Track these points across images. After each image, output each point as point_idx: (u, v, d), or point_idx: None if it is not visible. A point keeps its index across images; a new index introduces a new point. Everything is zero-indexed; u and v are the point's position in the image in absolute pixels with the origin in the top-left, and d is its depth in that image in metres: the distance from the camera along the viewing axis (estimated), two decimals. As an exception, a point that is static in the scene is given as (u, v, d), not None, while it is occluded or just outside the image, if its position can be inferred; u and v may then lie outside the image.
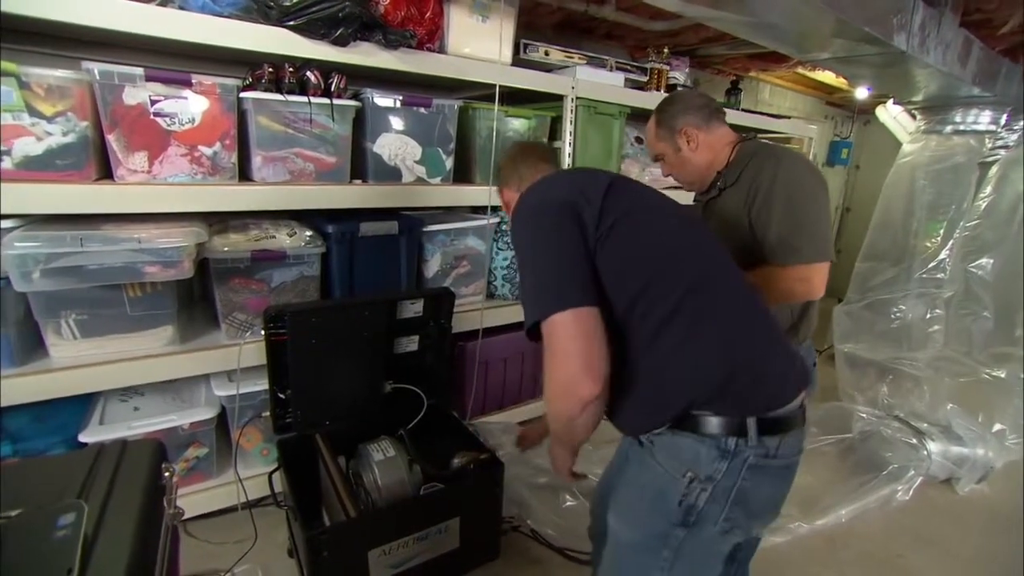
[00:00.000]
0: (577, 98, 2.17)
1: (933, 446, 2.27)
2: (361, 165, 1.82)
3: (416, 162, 1.88)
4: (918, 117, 3.37)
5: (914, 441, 2.26)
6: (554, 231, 0.90)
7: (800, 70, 3.68)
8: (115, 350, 1.50)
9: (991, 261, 3.17)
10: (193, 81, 1.40)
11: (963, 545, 1.96)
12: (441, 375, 1.96)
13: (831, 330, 3.25)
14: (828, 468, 2.30)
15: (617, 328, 0.89)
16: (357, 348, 1.74)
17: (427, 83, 1.99)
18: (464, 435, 1.82)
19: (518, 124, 2.11)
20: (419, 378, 1.93)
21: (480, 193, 2.02)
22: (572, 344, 0.82)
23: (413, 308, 1.81)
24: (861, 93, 3.82)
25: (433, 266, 2.06)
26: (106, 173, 1.43)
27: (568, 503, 1.86)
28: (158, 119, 1.39)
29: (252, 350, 1.66)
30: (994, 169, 3.26)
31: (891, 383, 2.80)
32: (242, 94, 1.51)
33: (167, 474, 0.74)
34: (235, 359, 1.64)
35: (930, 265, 3.23)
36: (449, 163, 1.95)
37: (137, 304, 1.48)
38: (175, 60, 1.63)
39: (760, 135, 3.18)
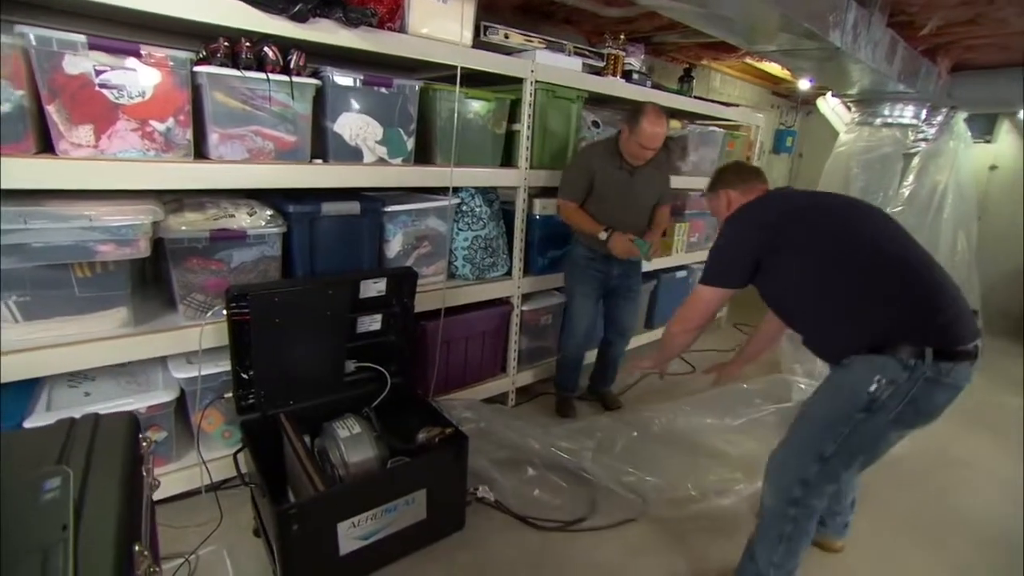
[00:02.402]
0: (536, 81, 2.21)
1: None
2: (322, 145, 1.80)
3: (377, 142, 1.88)
4: (853, 109, 3.60)
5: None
6: (747, 241, 1.44)
7: (748, 60, 3.85)
8: (63, 333, 1.45)
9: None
10: (142, 52, 1.35)
11: (881, 490, 2.17)
12: (404, 354, 1.98)
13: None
14: (770, 434, 2.46)
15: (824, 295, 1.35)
16: (320, 327, 1.74)
17: (388, 63, 1.98)
18: (428, 411, 1.86)
19: (478, 106, 2.13)
20: (383, 357, 1.95)
21: (441, 174, 2.04)
22: (704, 307, 1.55)
23: (376, 287, 1.83)
24: (804, 85, 4.03)
25: (395, 246, 2.07)
26: (47, 147, 1.36)
27: (529, 473, 1.94)
28: (104, 91, 1.33)
29: (212, 331, 1.64)
30: (916, 160, 3.54)
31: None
32: (196, 68, 1.47)
33: (145, 444, 0.75)
34: (193, 341, 1.61)
35: (861, 247, 3.47)
36: (410, 144, 1.96)
37: (87, 285, 1.43)
38: (124, 29, 1.55)
39: (711, 122, 3.33)
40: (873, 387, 1.23)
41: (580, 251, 2.39)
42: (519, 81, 2.20)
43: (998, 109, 4.11)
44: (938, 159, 3.51)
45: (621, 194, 2.28)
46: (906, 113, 3.34)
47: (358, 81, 1.76)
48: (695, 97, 3.06)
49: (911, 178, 3.61)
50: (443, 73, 2.14)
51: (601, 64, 2.53)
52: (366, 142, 1.86)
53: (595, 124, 2.62)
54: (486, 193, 2.34)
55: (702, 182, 3.29)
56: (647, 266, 3.03)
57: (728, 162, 1.83)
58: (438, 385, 2.31)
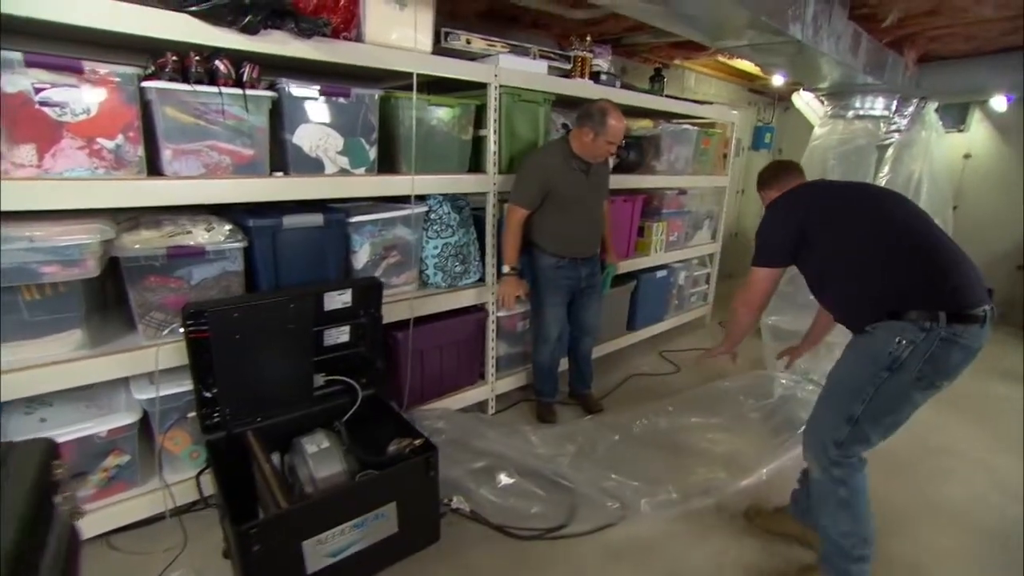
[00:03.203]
0: (500, 86, 2.20)
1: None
2: (282, 157, 1.78)
3: (338, 153, 1.86)
4: (826, 103, 3.62)
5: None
6: (782, 225, 1.63)
7: (721, 59, 3.87)
8: (15, 359, 1.41)
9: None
10: (85, 68, 1.33)
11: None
12: (374, 365, 1.95)
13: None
14: (752, 431, 2.46)
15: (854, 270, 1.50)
16: (284, 342, 1.71)
17: (351, 73, 1.96)
18: (400, 423, 1.83)
19: (442, 113, 2.11)
20: (353, 369, 1.93)
21: (404, 182, 2.01)
22: (760, 286, 1.68)
23: (341, 299, 1.81)
24: (777, 80, 4.05)
25: (362, 257, 2.05)
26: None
27: (506, 481, 1.91)
28: (45, 109, 1.31)
29: (173, 350, 1.60)
30: (890, 151, 3.56)
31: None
32: (144, 83, 1.45)
33: (59, 471, 0.72)
34: (154, 361, 1.58)
35: (840, 240, 3.48)
36: (373, 153, 1.94)
37: (36, 308, 1.40)
38: (67, 46, 1.52)
39: (684, 120, 3.33)
40: (893, 348, 1.36)
41: (546, 260, 2.34)
42: (484, 86, 2.19)
43: (967, 97, 4.14)
44: (911, 149, 3.53)
45: (580, 197, 2.29)
46: (877, 105, 3.36)
47: (315, 92, 1.74)
48: (666, 96, 3.06)
49: (886, 169, 3.63)
50: (407, 81, 2.13)
51: (568, 66, 2.53)
52: (327, 153, 1.84)
53: (565, 127, 2.61)
54: (455, 200, 2.33)
55: (678, 181, 3.33)
56: (626, 266, 3.03)
57: (767, 164, 1.96)
58: (414, 395, 2.28)
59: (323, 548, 1.46)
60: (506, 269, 2.24)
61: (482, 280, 2.42)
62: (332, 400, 1.89)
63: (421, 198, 2.22)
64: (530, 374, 2.73)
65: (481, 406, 2.59)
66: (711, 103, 3.48)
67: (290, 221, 1.77)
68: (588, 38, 2.60)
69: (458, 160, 2.23)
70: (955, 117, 4.35)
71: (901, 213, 1.51)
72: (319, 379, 1.86)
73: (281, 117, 1.72)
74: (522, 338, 2.68)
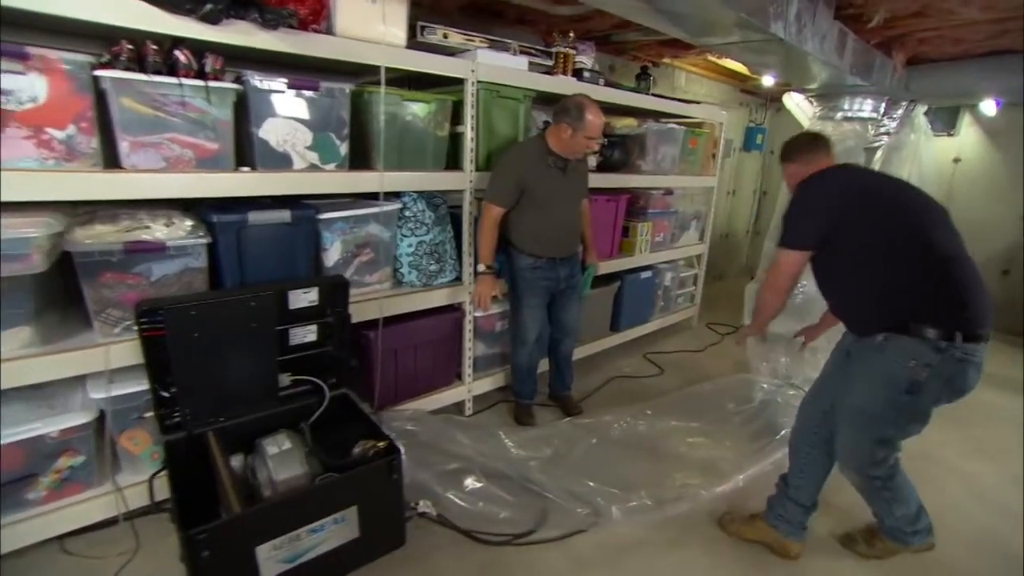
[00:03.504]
0: (478, 81, 2.16)
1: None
2: (248, 151, 1.73)
3: (307, 148, 1.81)
4: (815, 104, 3.59)
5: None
6: (816, 211, 1.56)
7: (711, 58, 3.83)
8: (-39, 356, 1.37)
9: (879, 238, 3.41)
10: (31, 55, 1.28)
11: (839, 494, 2.13)
12: (343, 365, 1.91)
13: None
14: (731, 436, 2.42)
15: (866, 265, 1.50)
16: (247, 341, 1.67)
17: (323, 66, 1.91)
18: (368, 425, 1.79)
19: (417, 109, 2.07)
20: (321, 369, 1.89)
21: (374, 179, 1.96)
22: (787, 269, 1.61)
23: (307, 297, 1.76)
24: (767, 81, 4.02)
25: (333, 255, 2.01)
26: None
27: (476, 485, 1.87)
28: (-10, 97, 1.26)
29: (128, 348, 1.56)
30: (879, 154, 3.53)
31: (791, 354, 2.99)
32: (97, 72, 1.40)
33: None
34: (110, 359, 1.53)
35: (828, 243, 3.45)
36: (344, 149, 1.90)
37: (-19, 304, 1.35)
38: (14, 32, 1.47)
39: (672, 119, 3.29)
40: (909, 371, 1.40)
41: (524, 260, 2.30)
42: (461, 82, 2.15)
43: (956, 101, 4.12)
44: (900, 152, 3.51)
45: (559, 196, 2.25)
46: (865, 107, 3.33)
47: (282, 85, 1.70)
48: (653, 95, 3.02)
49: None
50: (385, 76, 2.10)
51: (550, 63, 2.49)
52: (295, 148, 1.79)
53: (547, 124, 2.56)
54: (431, 197, 2.29)
55: (664, 180, 3.29)
56: (610, 267, 2.99)
57: (795, 136, 1.87)
58: (387, 396, 2.24)
59: (278, 554, 1.42)
60: (481, 268, 2.20)
61: (459, 279, 2.38)
62: (299, 400, 1.85)
63: (395, 195, 2.18)
64: (509, 375, 2.70)
65: (458, 407, 2.55)
66: (699, 102, 3.44)
67: (256, 217, 1.72)
68: (571, 34, 2.55)
69: (434, 157, 2.18)
70: (945, 121, 4.33)
71: (936, 225, 1.48)
72: (285, 379, 1.82)
73: (247, 110, 1.67)
74: (500, 338, 2.64)
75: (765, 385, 2.65)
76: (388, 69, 1.94)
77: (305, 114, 1.78)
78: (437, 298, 2.30)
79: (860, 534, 1.84)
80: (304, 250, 1.90)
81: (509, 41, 2.32)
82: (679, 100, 3.21)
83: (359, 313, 2.04)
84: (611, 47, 3.54)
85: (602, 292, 3.06)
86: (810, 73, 2.93)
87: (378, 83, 2.01)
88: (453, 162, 2.27)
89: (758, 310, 1.84)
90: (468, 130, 2.20)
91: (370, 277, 2.14)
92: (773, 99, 5.13)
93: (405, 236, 2.20)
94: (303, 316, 1.79)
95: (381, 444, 1.65)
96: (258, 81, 1.64)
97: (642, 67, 3.14)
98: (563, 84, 2.50)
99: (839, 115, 3.39)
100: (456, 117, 2.22)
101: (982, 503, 2.13)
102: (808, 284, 3.38)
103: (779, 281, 1.66)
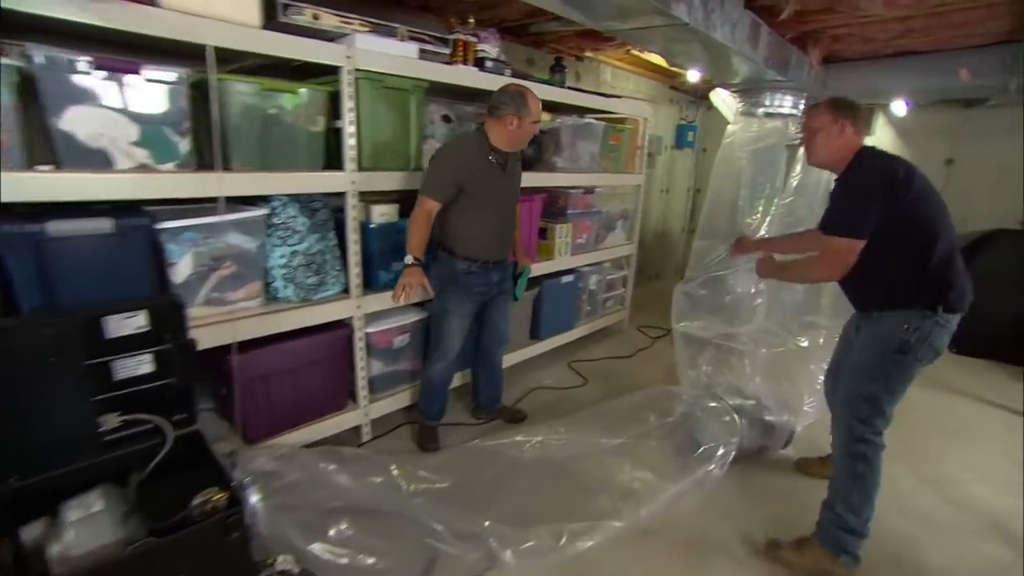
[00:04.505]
0: (356, 69, 1.91)
1: (745, 420, 2.33)
2: (49, 146, 1.43)
3: (133, 144, 1.52)
4: (738, 99, 3.52)
5: (727, 418, 2.30)
6: (873, 197, 1.59)
7: (634, 51, 3.71)
8: None
9: (802, 234, 3.35)
10: None
11: (764, 515, 2.02)
12: (191, 399, 1.63)
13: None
14: (652, 453, 2.27)
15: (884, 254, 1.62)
16: (46, 378, 1.36)
17: (167, 48, 1.60)
18: (216, 469, 1.52)
19: (284, 100, 1.80)
20: (164, 405, 1.60)
21: (212, 181, 1.68)
22: (846, 259, 1.64)
23: (132, 323, 1.47)
24: (693, 76, 3.93)
25: (183, 270, 1.72)
26: None
27: (345, 534, 1.62)
28: None
29: None
30: (801, 151, 3.49)
31: (716, 359, 2.89)
32: None
33: None
34: None
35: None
36: (184, 145, 1.61)
37: None
38: None
39: (596, 115, 3.14)
40: (903, 333, 1.60)
41: (458, 265, 2.12)
42: (337, 71, 1.90)
43: (870, 100, 4.16)
44: (820, 150, 3.48)
45: (499, 195, 2.13)
46: (785, 103, 3.28)
47: (86, 65, 1.40)
48: (568, 88, 2.85)
49: (798, 168, 3.57)
50: (248, 61, 1.83)
51: (447, 51, 2.26)
52: (116, 143, 1.49)
53: (446, 119, 2.35)
54: (310, 201, 2.02)
55: (584, 179, 3.12)
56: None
57: (836, 96, 1.85)
58: (263, 427, 1.97)
59: (66, 651, 1.14)
60: (409, 259, 1.99)
61: (346, 291, 2.13)
62: (134, 444, 1.55)
63: (263, 199, 1.91)
64: (415, 393, 2.47)
65: (352, 433, 2.30)
66: (620, 97, 3.29)
67: (59, 228, 1.41)
68: (471, 20, 2.34)
69: (308, 155, 1.92)
70: (863, 120, 4.38)
71: (943, 219, 1.63)
72: (112, 420, 1.52)
73: (37, 95, 1.37)
74: (400, 355, 2.40)
75: (685, 397, 2.52)
76: (250, 55, 1.69)
77: (127, 103, 1.49)
78: (319, 314, 2.04)
79: (788, 545, 1.81)
80: (140, 266, 1.59)
81: (395, 25, 2.08)
82: (598, 94, 3.05)
83: (223, 335, 1.77)
84: (530, 39, 3.35)
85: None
86: (730, 67, 2.85)
87: (240, 70, 1.75)
88: (337, 161, 2.02)
89: (790, 272, 2.06)
90: (347, 125, 1.95)
91: (234, 294, 1.86)
92: (703, 96, 5.10)
93: (276, 246, 1.93)
94: (129, 345, 1.49)
95: (217, 498, 1.38)
96: (42, 58, 1.33)
97: (556, 59, 2.96)
98: (462, 75, 2.28)
99: (760, 111, 3.34)
100: (336, 111, 1.96)
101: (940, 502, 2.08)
102: (736, 283, 3.37)
103: (833, 271, 1.69)
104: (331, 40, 1.92)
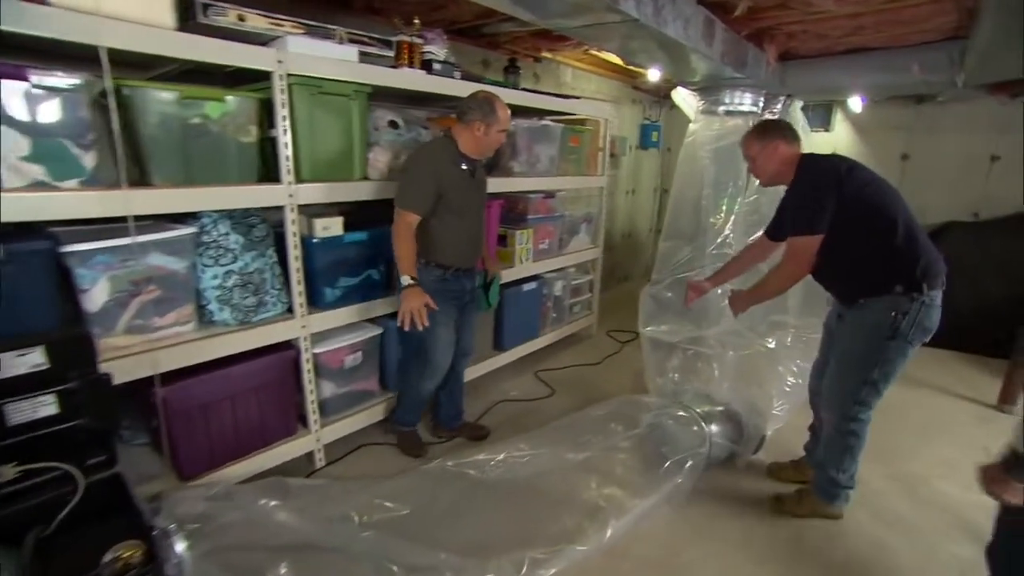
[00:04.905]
0: (289, 75, 1.78)
1: (714, 427, 2.27)
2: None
3: (24, 159, 1.36)
4: (699, 98, 3.49)
5: (695, 428, 2.23)
6: (824, 193, 1.70)
7: (593, 52, 3.64)
8: None
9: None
10: None
11: (734, 528, 1.95)
12: (108, 441, 1.47)
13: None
14: (619, 468, 2.18)
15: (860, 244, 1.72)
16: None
17: (87, 54, 1.44)
18: (133, 519, 1.37)
19: (209, 109, 1.66)
20: (74, 448, 1.43)
21: (151, 198, 1.55)
22: (808, 256, 1.75)
23: (26, 361, 1.31)
24: (653, 75, 3.89)
25: (98, 296, 1.56)
26: None
27: (288, 578, 1.49)
28: None
29: None
30: (763, 148, 3.48)
31: (684, 365, 2.84)
32: None
33: None
34: None
35: (718, 240, 3.36)
36: (90, 160, 1.45)
37: None
38: None
39: (557, 117, 3.05)
40: (891, 319, 1.66)
41: (432, 273, 2.05)
42: (268, 76, 1.76)
43: (828, 97, 4.21)
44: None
45: (471, 202, 2.10)
46: (745, 100, 3.26)
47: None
48: (524, 89, 2.76)
49: (759, 166, 3.57)
50: (169, 68, 1.72)
51: (390, 53, 2.14)
52: (5, 159, 1.34)
53: (393, 124, 2.23)
54: (247, 216, 1.88)
55: (543, 183, 3.02)
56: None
57: (764, 121, 2.01)
58: (201, 461, 1.82)
59: None
60: (406, 280, 1.91)
61: (290, 311, 1.99)
62: (38, 496, 1.39)
63: (190, 216, 1.77)
64: (373, 413, 2.35)
65: (304, 460, 2.16)
66: (579, 97, 3.22)
67: (-66, 258, 1.25)
68: (416, 21, 2.23)
69: (239, 168, 1.78)
70: (822, 117, 4.43)
71: (899, 204, 1.71)
72: (5, 472, 1.35)
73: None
74: (354, 375, 2.26)
75: (653, 406, 2.44)
76: (166, 59, 1.56)
77: (12, 113, 1.33)
78: (261, 337, 1.89)
79: (789, 494, 2.06)
80: (40, 296, 1.43)
81: (332, 27, 1.96)
82: (555, 95, 2.96)
83: (149, 365, 1.61)
84: (484, 41, 3.26)
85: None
86: (688, 65, 2.80)
87: (171, 76, 1.60)
88: (273, 173, 1.88)
89: (762, 291, 1.96)
90: (281, 134, 1.81)
91: (161, 319, 1.70)
92: (666, 96, 5.08)
93: (207, 266, 1.78)
94: (25, 386, 1.33)
95: (133, 552, 1.24)
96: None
97: (510, 60, 2.87)
98: (408, 78, 2.16)
99: (721, 108, 3.31)
100: (268, 118, 1.83)
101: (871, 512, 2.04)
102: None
103: (801, 268, 1.78)
104: (264, 44, 1.80)
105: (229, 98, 1.70)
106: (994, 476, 1.14)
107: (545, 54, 3.56)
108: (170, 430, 1.69)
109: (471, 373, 2.74)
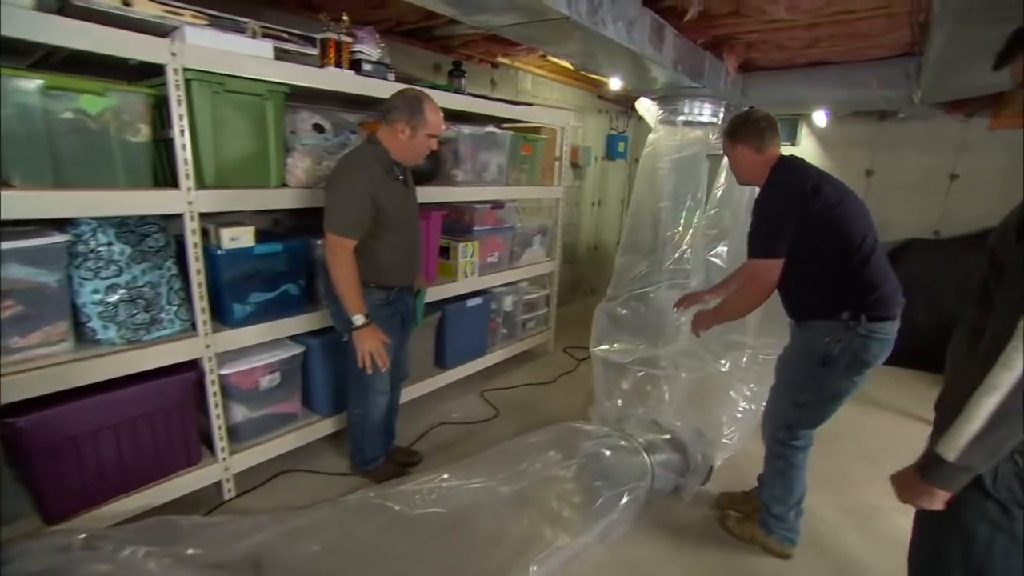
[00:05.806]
0: (187, 69, 1.62)
1: (658, 457, 2.13)
2: None
3: None
4: (659, 107, 3.39)
5: (638, 458, 2.09)
6: (787, 216, 1.61)
7: (551, 58, 3.53)
8: None
9: (726, 248, 3.25)
10: None
11: (674, 569, 1.81)
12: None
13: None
14: (555, 500, 2.02)
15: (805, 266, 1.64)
16: None
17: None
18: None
19: (85, 103, 1.48)
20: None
21: (18, 201, 1.37)
22: (770, 281, 1.66)
23: None
24: (615, 84, 3.79)
25: (-59, 313, 1.37)
26: None
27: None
28: None
29: None
30: (725, 160, 3.39)
31: (635, 387, 2.70)
32: None
33: None
34: None
35: (676, 255, 3.24)
36: (-72, 158, 1.27)
37: None
38: None
39: (503, 125, 2.92)
40: (823, 346, 1.61)
41: (374, 296, 1.88)
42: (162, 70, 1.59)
43: (790, 110, 4.16)
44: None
45: (407, 213, 1.93)
46: (705, 111, 3.17)
47: None
48: (470, 95, 2.62)
49: (723, 178, 3.47)
50: (36, 56, 1.54)
51: (314, 51, 1.99)
52: None
53: (318, 128, 2.06)
54: (141, 226, 1.70)
55: (488, 192, 2.85)
56: (430, 295, 2.54)
57: (745, 112, 1.83)
58: (76, 499, 1.62)
59: None
60: (360, 320, 1.77)
61: (193, 328, 1.81)
62: None
63: (66, 222, 1.58)
64: (298, 437, 2.17)
65: (211, 491, 1.97)
66: (531, 104, 3.10)
67: None
68: (345, 18, 2.08)
69: (127, 170, 1.60)
70: (788, 131, 4.38)
71: (867, 225, 1.63)
72: None
73: None
74: (270, 397, 2.08)
75: (592, 435, 2.28)
76: (38, 46, 1.38)
77: None
78: (155, 357, 1.71)
79: (736, 514, 2.03)
80: None
81: (243, 20, 1.80)
82: (506, 101, 2.83)
83: (17, 390, 1.43)
84: (436, 44, 3.12)
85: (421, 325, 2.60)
86: (646, 74, 2.70)
87: (55, 66, 1.43)
88: (173, 177, 1.70)
89: (725, 312, 1.87)
90: (178, 135, 1.64)
91: (23, 339, 1.51)
92: (633, 106, 5.01)
93: (86, 279, 1.59)
94: None
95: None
96: None
97: (455, 63, 2.72)
98: (333, 78, 2.01)
99: (680, 119, 3.21)
100: (162, 117, 1.66)
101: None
102: (660, 300, 3.21)
103: (761, 291, 1.69)
104: (165, 35, 1.63)
105: (111, 92, 1.52)
106: (911, 484, 1.01)
107: (502, 59, 3.44)
108: (30, 466, 1.50)
109: (409, 393, 2.57)
